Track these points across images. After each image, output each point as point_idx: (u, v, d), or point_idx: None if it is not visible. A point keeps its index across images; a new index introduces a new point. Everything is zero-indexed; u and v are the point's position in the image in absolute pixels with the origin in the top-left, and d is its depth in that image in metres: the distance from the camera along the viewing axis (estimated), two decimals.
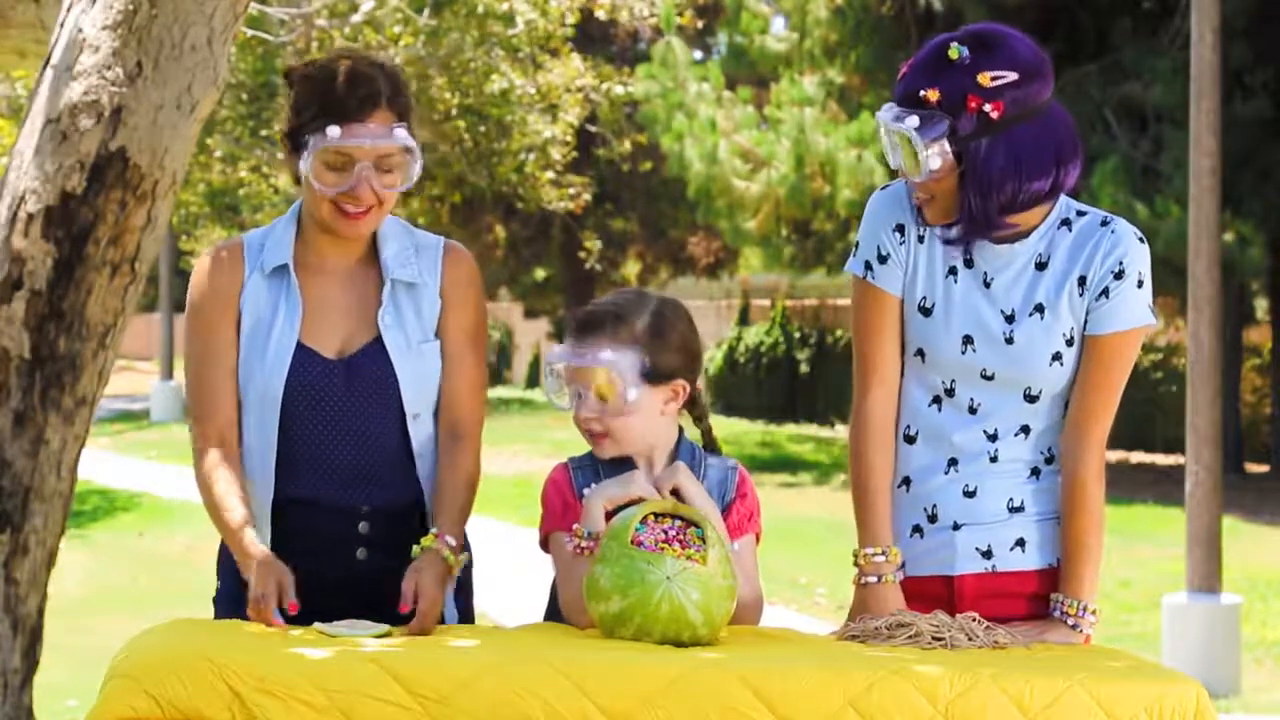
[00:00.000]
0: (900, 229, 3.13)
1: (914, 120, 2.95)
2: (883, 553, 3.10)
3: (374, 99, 3.07)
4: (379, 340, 3.15)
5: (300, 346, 3.12)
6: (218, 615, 3.18)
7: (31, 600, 4.68)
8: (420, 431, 3.17)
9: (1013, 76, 2.95)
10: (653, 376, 3.09)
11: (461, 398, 3.21)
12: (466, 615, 3.27)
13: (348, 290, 3.17)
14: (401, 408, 3.14)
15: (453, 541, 3.07)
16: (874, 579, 3.10)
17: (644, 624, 2.78)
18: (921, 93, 2.96)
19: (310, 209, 3.15)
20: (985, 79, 2.94)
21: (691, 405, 3.21)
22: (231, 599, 3.14)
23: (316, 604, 3.06)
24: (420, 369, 3.16)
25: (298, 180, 3.17)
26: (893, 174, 3.34)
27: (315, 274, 3.13)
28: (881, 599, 3.07)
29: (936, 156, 2.96)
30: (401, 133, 3.08)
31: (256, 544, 3.01)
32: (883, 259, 3.13)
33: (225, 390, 3.13)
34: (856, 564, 3.13)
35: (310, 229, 3.18)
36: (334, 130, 3.03)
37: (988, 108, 2.94)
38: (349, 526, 3.13)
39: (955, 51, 2.96)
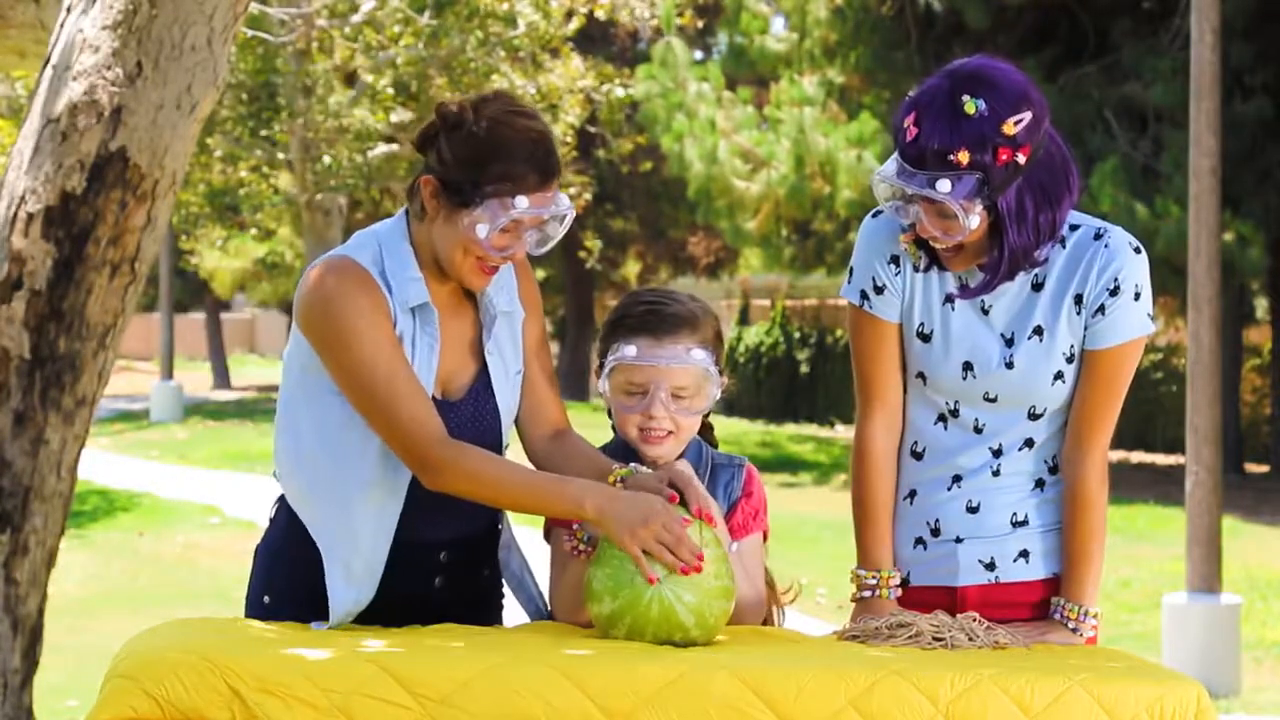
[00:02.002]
0: (895, 260, 3.09)
1: (945, 184, 2.87)
2: (874, 575, 3.13)
3: (558, 169, 3.01)
4: (483, 373, 3.08)
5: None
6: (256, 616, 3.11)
7: (31, 600, 4.68)
8: None
9: (1029, 116, 2.89)
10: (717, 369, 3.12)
11: (554, 400, 3.19)
12: (498, 606, 3.27)
13: (449, 323, 3.07)
14: (495, 442, 3.08)
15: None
16: (868, 594, 3.13)
17: (635, 625, 2.79)
18: (950, 156, 2.86)
19: (442, 254, 3.00)
20: (1010, 127, 2.87)
21: None
22: (267, 610, 3.09)
23: (384, 621, 3.03)
24: (512, 401, 3.12)
25: (420, 215, 3.02)
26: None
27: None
28: (876, 613, 3.08)
29: (975, 216, 2.89)
30: (566, 199, 3.02)
31: (601, 488, 2.88)
32: (879, 289, 3.10)
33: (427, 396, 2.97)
34: (853, 580, 3.16)
35: (422, 261, 3.04)
36: (523, 201, 2.94)
37: (1019, 157, 2.88)
38: (429, 557, 3.09)
39: (973, 106, 2.86)
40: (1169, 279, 14.19)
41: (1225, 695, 8.96)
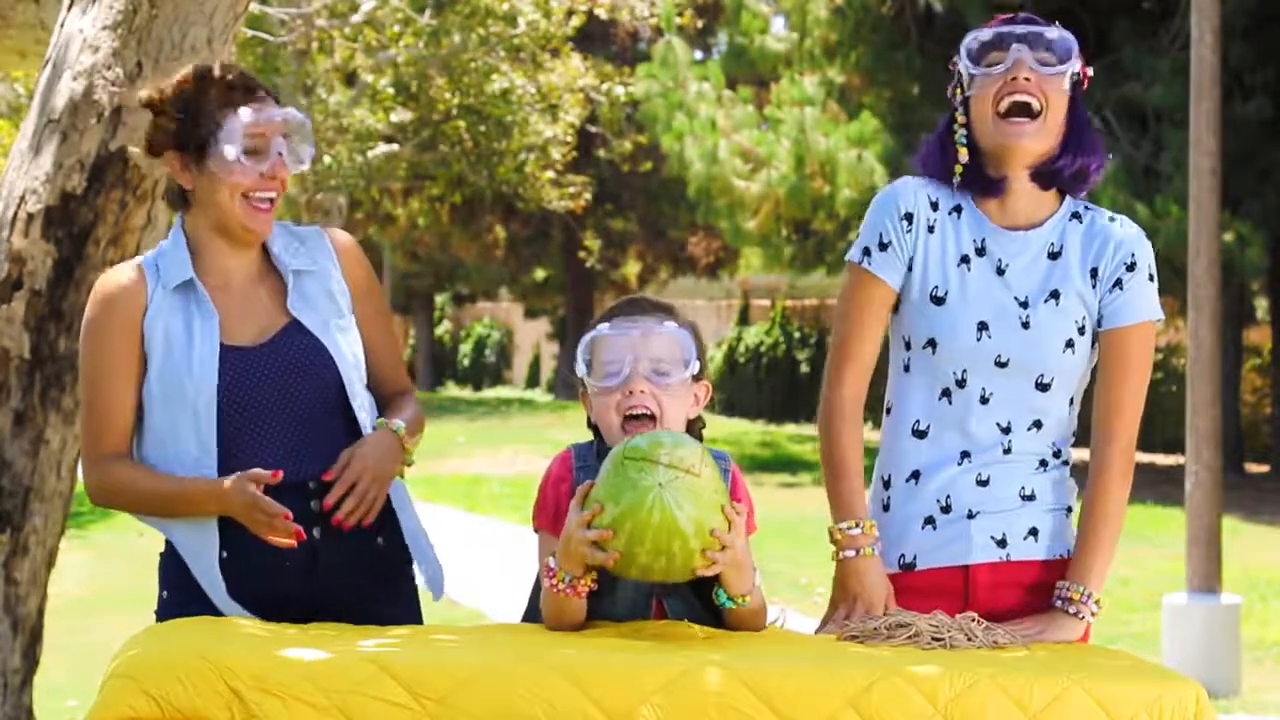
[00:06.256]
0: (909, 218, 3.14)
1: (1056, 30, 3.13)
2: (856, 524, 3.10)
3: (260, 83, 3.22)
4: (295, 323, 3.21)
5: (222, 346, 3.16)
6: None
7: (31, 600, 4.69)
8: (358, 405, 3.23)
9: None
10: (697, 372, 3.06)
11: (395, 371, 3.37)
12: (408, 589, 3.32)
13: (251, 293, 3.23)
14: (334, 379, 3.20)
15: (401, 424, 3.21)
16: (851, 553, 3.10)
17: (635, 531, 2.75)
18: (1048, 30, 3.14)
19: (217, 212, 3.18)
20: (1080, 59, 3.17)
21: None
22: (179, 609, 3.15)
23: (277, 591, 3.11)
24: (344, 342, 3.24)
25: (183, 197, 3.22)
26: (894, 175, 3.35)
27: (217, 285, 3.20)
28: (860, 573, 3.08)
29: (1066, 79, 3.12)
30: (292, 110, 3.21)
31: (212, 479, 3.09)
32: (883, 245, 3.14)
33: (128, 404, 3.17)
34: (833, 540, 3.13)
35: (204, 244, 3.22)
36: (246, 112, 3.14)
37: (1086, 73, 3.17)
38: (300, 505, 3.12)
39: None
40: (1169, 279, 14.17)
41: (1225, 695, 8.96)
